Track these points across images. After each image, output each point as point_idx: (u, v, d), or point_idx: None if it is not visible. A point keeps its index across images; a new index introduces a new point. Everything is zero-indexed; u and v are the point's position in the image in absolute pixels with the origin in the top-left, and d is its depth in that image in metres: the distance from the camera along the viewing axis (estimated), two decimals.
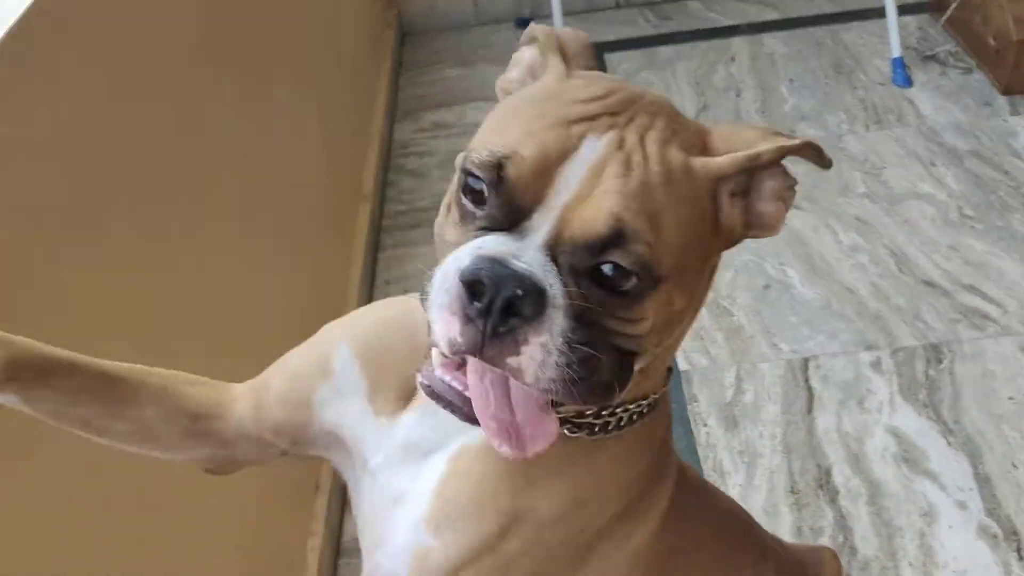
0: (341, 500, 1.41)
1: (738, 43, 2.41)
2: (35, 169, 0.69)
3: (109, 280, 0.79)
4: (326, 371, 0.66)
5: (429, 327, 0.53)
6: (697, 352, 1.59)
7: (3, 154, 0.65)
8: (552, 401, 0.55)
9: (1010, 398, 1.46)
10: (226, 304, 1.06)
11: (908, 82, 2.16)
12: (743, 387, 1.53)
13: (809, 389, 1.51)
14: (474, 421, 0.54)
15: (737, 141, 0.58)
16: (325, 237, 1.61)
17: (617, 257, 0.52)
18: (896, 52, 2.17)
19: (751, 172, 0.57)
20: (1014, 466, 1.37)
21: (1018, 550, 1.27)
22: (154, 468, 0.81)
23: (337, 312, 1.55)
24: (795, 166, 2.09)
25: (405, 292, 1.84)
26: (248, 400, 0.67)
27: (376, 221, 1.92)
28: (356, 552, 1.35)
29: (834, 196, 1.89)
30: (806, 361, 1.56)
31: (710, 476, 1.40)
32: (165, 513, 0.84)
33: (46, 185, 0.71)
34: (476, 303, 0.50)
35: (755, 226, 0.59)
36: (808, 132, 2.07)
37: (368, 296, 1.77)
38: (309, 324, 1.33)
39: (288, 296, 1.33)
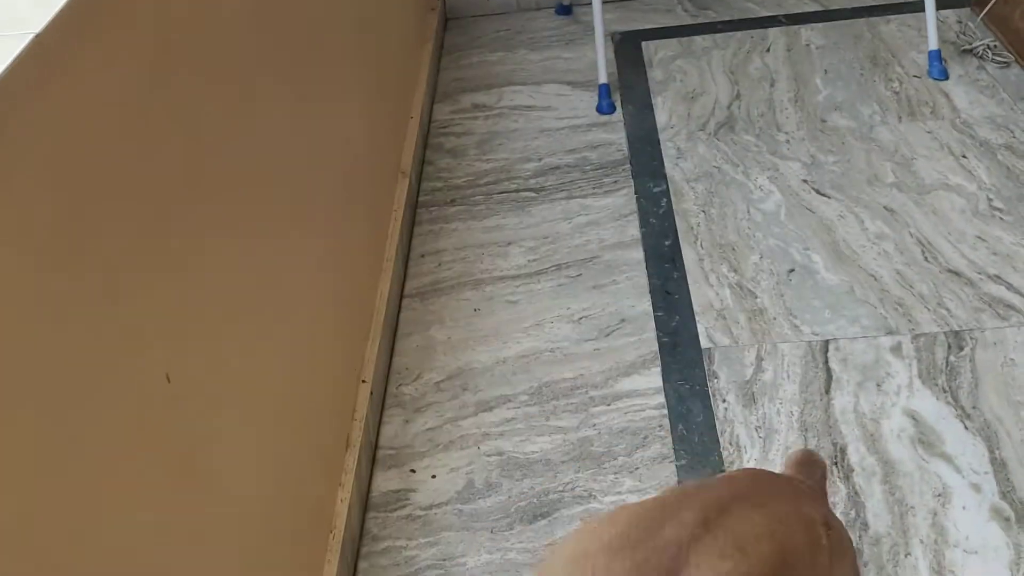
0: (371, 456, 1.47)
1: (775, 33, 2.43)
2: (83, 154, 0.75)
3: (153, 252, 0.85)
4: None
5: None
6: (719, 332, 1.63)
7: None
8: None
9: None
10: (267, 274, 1.12)
11: (944, 75, 2.17)
12: (763, 366, 1.56)
13: (828, 370, 1.54)
14: None
15: None
16: (365, 210, 1.66)
17: None
18: (933, 45, 2.18)
19: None
20: None
21: None
22: (190, 420, 0.88)
23: (372, 283, 1.62)
24: (824, 155, 2.13)
25: (438, 265, 1.90)
26: None
27: (413, 197, 1.98)
28: (383, 507, 1.42)
29: (863, 185, 1.91)
30: (826, 343, 1.59)
31: (727, 450, 1.44)
32: (198, 463, 0.89)
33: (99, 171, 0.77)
34: None
35: None
36: (840, 122, 2.10)
37: (404, 268, 1.83)
38: (347, 292, 1.40)
39: (327, 265, 1.39)
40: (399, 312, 1.75)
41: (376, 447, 1.50)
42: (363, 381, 1.48)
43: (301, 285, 1.25)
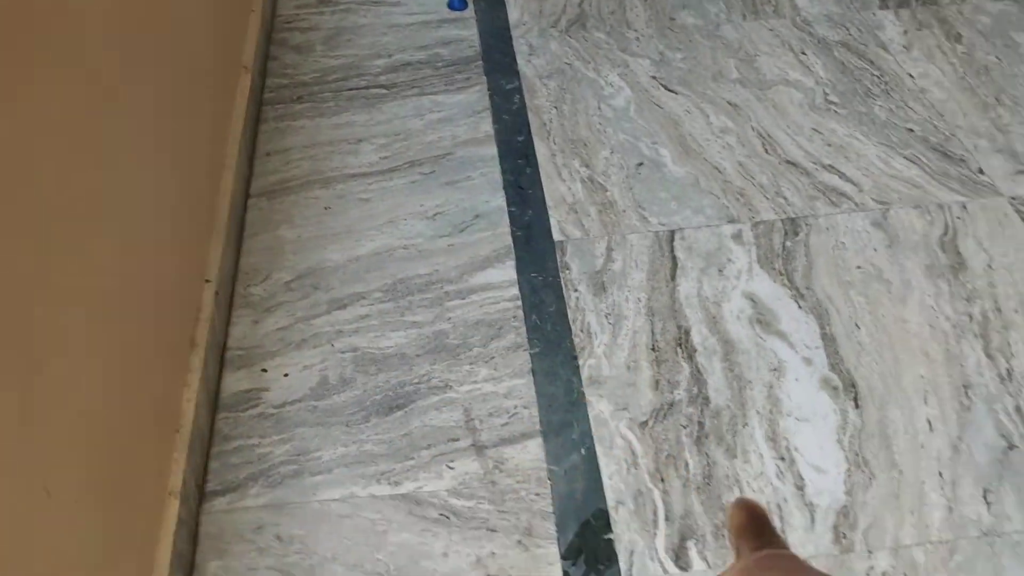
0: (219, 357, 1.43)
1: None
2: None
3: None
4: None
5: None
6: (571, 224, 1.65)
7: None
8: None
9: (858, 267, 1.57)
10: (98, 166, 1.05)
11: None
12: (613, 256, 1.60)
13: (674, 258, 1.59)
14: None
15: None
16: (204, 106, 1.58)
17: None
18: None
19: None
20: (857, 327, 1.48)
21: (855, 399, 1.38)
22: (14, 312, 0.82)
23: (214, 181, 1.55)
24: (672, 52, 2.14)
25: (286, 164, 1.84)
26: None
27: (257, 93, 1.89)
28: (234, 407, 1.39)
29: (708, 81, 1.95)
30: (672, 233, 1.63)
31: (578, 337, 1.47)
32: (30, 358, 0.84)
33: None
34: None
35: None
36: (687, 20, 2.12)
37: (248, 167, 1.76)
38: (186, 190, 1.33)
39: (164, 161, 1.31)
40: (245, 212, 1.69)
41: (225, 348, 1.46)
42: (207, 281, 1.43)
43: (135, 180, 1.18)
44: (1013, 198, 1.67)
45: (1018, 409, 1.36)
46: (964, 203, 1.67)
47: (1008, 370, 1.41)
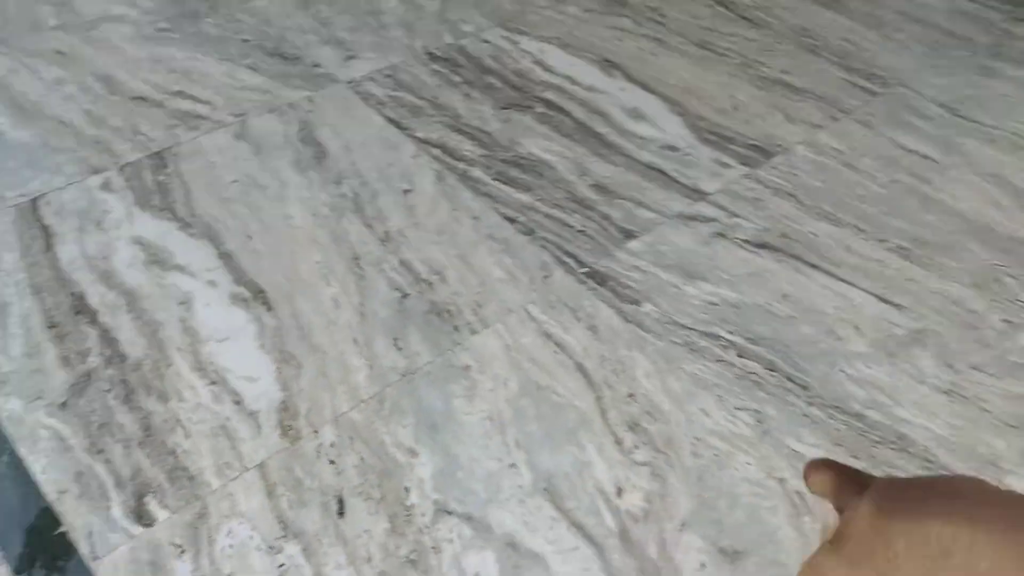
0: None
1: None
2: None
3: None
4: None
5: None
6: None
7: None
8: None
9: (234, 181, 1.62)
10: None
11: None
12: None
13: (44, 227, 1.49)
14: None
15: None
16: None
17: None
18: None
19: None
20: (249, 237, 1.53)
21: (265, 303, 1.45)
22: None
23: None
24: None
25: None
26: None
27: None
28: None
29: (26, 33, 1.80)
30: (34, 201, 1.52)
31: None
32: None
33: None
34: None
35: None
36: None
37: None
38: None
39: None
40: None
41: None
42: None
43: None
44: (349, 82, 1.84)
45: (402, 263, 1.54)
46: (311, 97, 1.79)
47: (386, 232, 1.58)
